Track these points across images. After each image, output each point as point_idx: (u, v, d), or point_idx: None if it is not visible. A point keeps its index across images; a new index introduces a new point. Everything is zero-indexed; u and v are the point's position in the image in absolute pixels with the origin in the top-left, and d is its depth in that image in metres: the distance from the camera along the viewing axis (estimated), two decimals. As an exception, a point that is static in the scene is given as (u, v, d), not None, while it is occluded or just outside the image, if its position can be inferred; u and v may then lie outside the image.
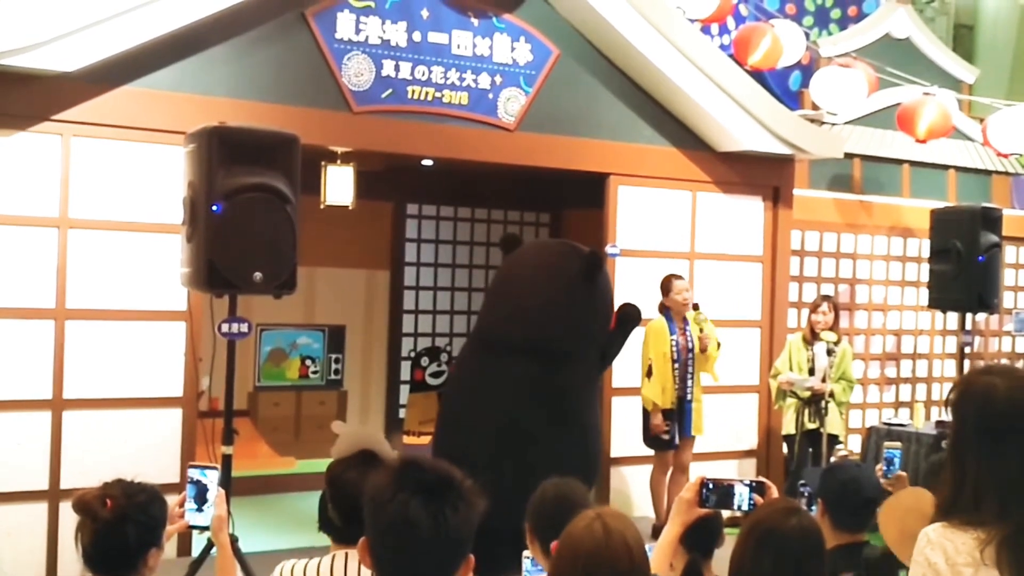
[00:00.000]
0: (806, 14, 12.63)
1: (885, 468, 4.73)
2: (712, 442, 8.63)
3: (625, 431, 8.62)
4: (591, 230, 8.99)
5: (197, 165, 5.68)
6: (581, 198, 9.68)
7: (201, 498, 3.44)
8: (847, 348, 8.79)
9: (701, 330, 8.09)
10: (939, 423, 9.37)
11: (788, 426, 8.71)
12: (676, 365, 8.09)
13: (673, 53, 8.49)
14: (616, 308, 7.11)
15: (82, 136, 6.85)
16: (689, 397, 8.14)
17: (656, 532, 6.75)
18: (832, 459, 7.93)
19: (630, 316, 7.15)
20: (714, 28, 11.79)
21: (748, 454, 9.49)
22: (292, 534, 7.48)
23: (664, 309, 8.23)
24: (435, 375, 10.67)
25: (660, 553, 3.12)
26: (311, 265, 9.36)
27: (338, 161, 8.97)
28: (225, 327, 5.86)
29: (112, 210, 6.96)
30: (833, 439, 8.49)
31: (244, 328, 5.91)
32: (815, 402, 8.51)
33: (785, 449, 9.03)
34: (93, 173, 6.91)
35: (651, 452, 8.28)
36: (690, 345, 8.14)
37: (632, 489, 8.81)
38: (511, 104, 8.26)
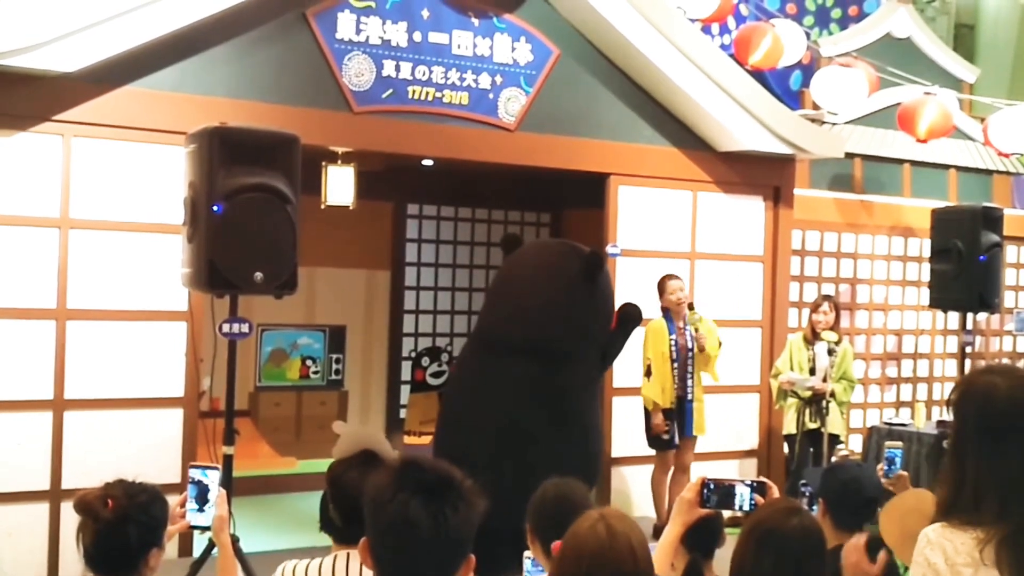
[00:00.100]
0: (807, 14, 12.63)
1: (886, 468, 4.73)
2: (713, 442, 8.62)
3: (626, 431, 8.62)
4: (592, 230, 8.99)
5: (198, 165, 5.68)
6: (581, 198, 9.68)
7: (202, 498, 3.45)
8: (848, 348, 8.78)
9: (696, 330, 8.08)
10: (940, 423, 9.37)
11: (789, 426, 8.71)
12: (675, 365, 8.09)
13: (673, 53, 8.49)
14: (617, 308, 7.11)
15: (83, 136, 6.85)
16: (690, 397, 8.13)
17: (657, 532, 6.75)
18: (833, 459, 7.93)
19: (631, 316, 7.15)
20: (715, 28, 11.80)
21: (749, 454, 9.49)
22: (293, 534, 7.49)
23: (665, 309, 8.23)
24: (436, 375, 10.68)
25: (661, 553, 3.12)
26: (312, 265, 9.36)
27: (339, 161, 8.97)
28: (226, 327, 5.86)
29: (113, 210, 6.97)
30: (834, 439, 8.49)
31: (245, 328, 5.91)
32: (816, 402, 8.51)
33: (786, 449, 9.03)
34: (94, 173, 6.91)
35: (652, 452, 8.28)
36: (689, 345, 8.14)
37: (633, 489, 8.81)
38: (511, 104, 8.26)
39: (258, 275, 5.58)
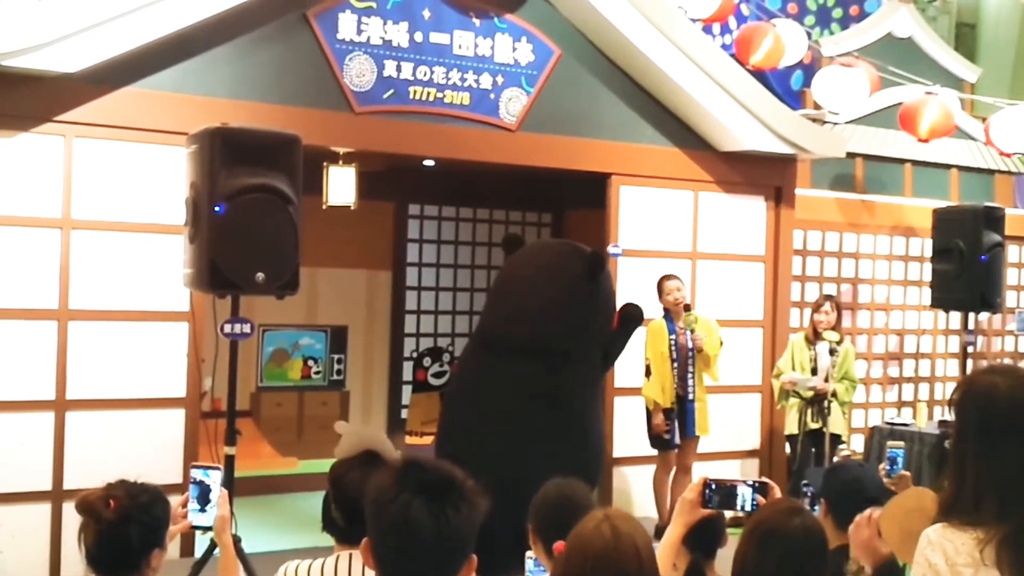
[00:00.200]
0: (808, 13, 12.62)
1: (888, 468, 4.73)
2: (715, 442, 8.62)
3: (628, 431, 8.62)
4: (593, 230, 8.99)
5: (199, 166, 5.68)
6: (583, 198, 9.69)
7: (204, 498, 3.45)
8: (849, 348, 8.78)
9: (692, 331, 8.06)
10: (942, 423, 9.37)
11: (791, 426, 8.70)
12: (675, 365, 8.08)
13: (675, 53, 8.49)
14: (618, 308, 7.11)
15: (84, 137, 6.85)
16: (691, 397, 8.12)
17: (659, 533, 6.75)
18: (835, 459, 7.93)
19: (632, 316, 7.15)
20: (716, 28, 11.80)
21: (751, 454, 9.49)
22: (295, 534, 7.49)
23: (666, 309, 8.23)
24: (437, 375, 10.69)
25: (663, 554, 3.12)
26: (313, 265, 9.35)
27: (340, 162, 8.97)
28: (227, 328, 5.86)
29: (115, 211, 6.97)
30: (836, 439, 8.49)
31: (246, 329, 5.91)
32: (818, 402, 8.50)
33: (788, 449, 9.03)
34: (95, 174, 6.92)
35: (654, 452, 8.27)
36: (689, 345, 8.13)
37: (634, 489, 8.81)
38: (513, 104, 8.26)
39: (260, 275, 5.58)
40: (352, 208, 9.21)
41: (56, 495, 6.74)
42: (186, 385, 7.16)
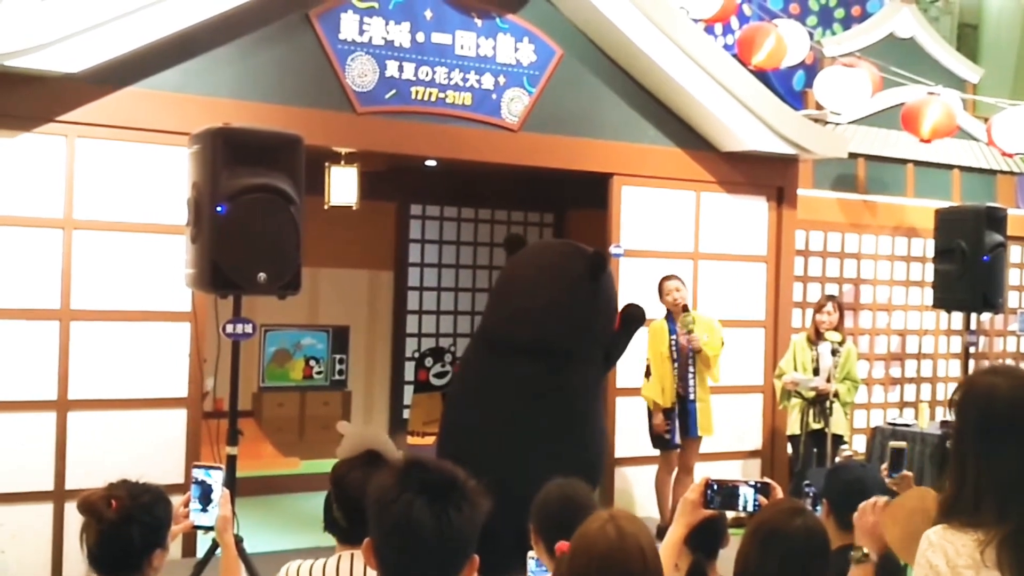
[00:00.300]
0: (810, 14, 12.62)
1: (890, 468, 4.71)
2: (716, 443, 8.61)
3: (629, 431, 8.62)
4: (595, 230, 8.99)
5: (201, 166, 5.68)
6: (585, 198, 9.69)
7: (205, 498, 3.45)
8: (851, 348, 8.77)
9: (690, 331, 8.04)
10: (944, 423, 9.36)
11: (793, 426, 8.70)
12: (676, 365, 8.08)
13: (677, 53, 8.49)
14: (621, 309, 7.10)
15: (86, 137, 6.86)
16: (692, 397, 8.12)
17: (661, 533, 6.75)
18: (837, 459, 7.92)
19: (634, 317, 7.14)
20: (718, 28, 11.78)
21: (752, 454, 9.49)
22: (297, 534, 7.49)
23: (668, 309, 8.22)
24: (439, 375, 10.69)
25: (665, 554, 3.12)
26: (315, 266, 9.36)
27: (342, 162, 8.97)
28: (229, 328, 5.86)
29: (116, 211, 6.98)
30: (838, 439, 8.48)
31: (248, 329, 5.91)
32: (820, 402, 8.49)
33: (790, 449, 9.03)
34: (97, 174, 6.92)
35: (656, 453, 8.27)
36: (690, 345, 8.12)
37: (636, 490, 8.81)
38: (514, 104, 8.26)
39: (261, 275, 5.58)
40: (354, 208, 9.22)
41: (58, 495, 6.75)
42: (188, 385, 7.16)
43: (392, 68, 7.78)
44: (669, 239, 9.05)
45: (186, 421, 7.16)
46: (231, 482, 5.05)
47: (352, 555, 3.23)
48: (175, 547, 6.44)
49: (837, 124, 10.37)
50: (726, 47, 10.63)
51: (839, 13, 12.87)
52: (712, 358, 8.13)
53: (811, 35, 10.21)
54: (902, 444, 4.84)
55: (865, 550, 3.24)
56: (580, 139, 8.55)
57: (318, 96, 7.55)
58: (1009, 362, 11.64)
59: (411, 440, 10.37)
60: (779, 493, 3.17)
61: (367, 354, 10.94)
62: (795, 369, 8.60)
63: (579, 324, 6.54)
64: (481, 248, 11.44)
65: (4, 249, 6.67)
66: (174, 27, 6.86)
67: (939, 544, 2.48)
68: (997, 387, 2.55)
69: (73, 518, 5.57)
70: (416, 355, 10.89)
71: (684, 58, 8.52)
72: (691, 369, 8.11)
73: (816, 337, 8.62)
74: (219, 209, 5.51)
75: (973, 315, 9.40)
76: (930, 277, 9.86)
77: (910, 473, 4.65)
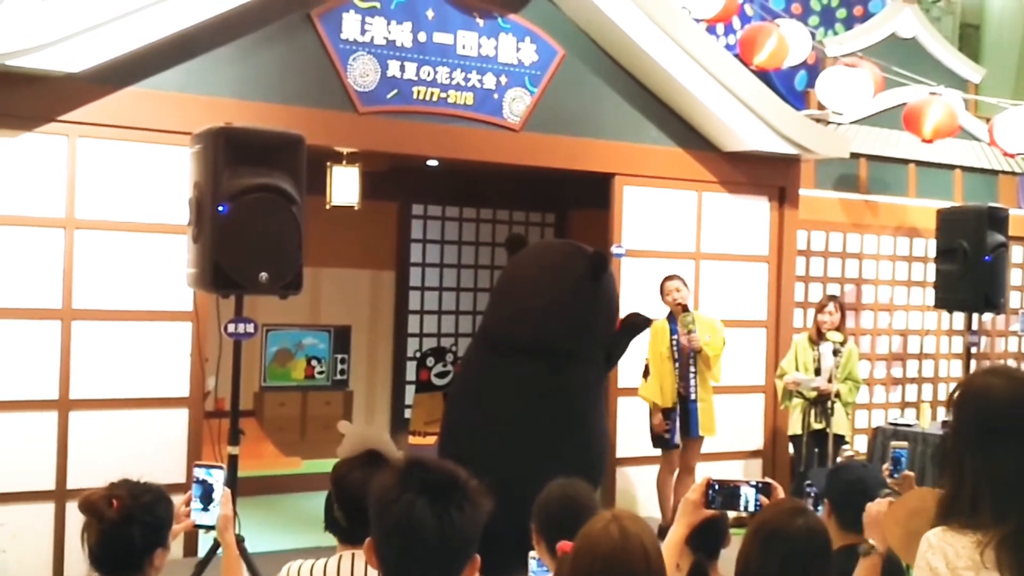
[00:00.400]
0: (812, 14, 12.61)
1: (892, 468, 4.72)
2: (718, 443, 8.60)
3: (631, 432, 8.62)
4: (596, 230, 8.99)
5: (203, 166, 5.68)
6: (586, 198, 9.69)
7: (207, 497, 3.45)
8: (853, 348, 8.78)
9: (690, 331, 8.04)
10: (945, 423, 9.34)
11: (794, 426, 8.70)
12: (677, 365, 8.07)
13: (678, 53, 8.49)
14: (625, 316, 7.12)
15: (88, 137, 6.86)
16: (693, 397, 8.11)
17: (662, 533, 6.74)
18: (838, 459, 7.92)
19: (633, 324, 7.14)
20: (720, 28, 11.77)
21: (754, 454, 9.49)
22: (298, 534, 7.49)
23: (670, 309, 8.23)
24: (440, 375, 10.68)
25: (666, 554, 3.12)
26: (317, 265, 9.36)
27: (343, 162, 8.98)
28: (231, 327, 5.86)
29: (118, 211, 6.98)
30: (839, 439, 8.48)
31: (250, 328, 5.91)
32: (821, 402, 8.50)
33: (791, 449, 9.03)
34: (99, 174, 6.92)
35: (657, 452, 8.27)
36: (691, 345, 8.10)
37: (638, 490, 8.81)
38: (516, 104, 8.26)
39: (263, 275, 5.58)
40: (356, 208, 9.22)
41: (59, 495, 6.75)
42: (189, 385, 7.16)
43: (394, 68, 7.78)
44: (671, 239, 9.04)
45: (187, 421, 7.16)
46: (232, 482, 5.05)
47: (353, 555, 3.23)
48: (176, 546, 6.45)
49: (839, 124, 10.37)
50: (728, 47, 10.62)
51: (841, 13, 12.87)
52: (713, 358, 8.13)
53: (813, 35, 10.21)
54: (903, 444, 4.84)
55: (872, 542, 3.25)
56: (582, 139, 8.54)
57: (320, 96, 7.55)
58: (1011, 363, 11.64)
59: (412, 440, 10.36)
60: (780, 493, 3.17)
61: (369, 354, 10.94)
62: (796, 369, 8.61)
63: (580, 324, 6.55)
64: (483, 248, 11.44)
65: (6, 249, 6.67)
66: (175, 27, 6.86)
67: (939, 546, 2.48)
68: (994, 387, 2.55)
69: (74, 518, 5.57)
70: (418, 355, 10.88)
71: (686, 58, 8.51)
72: (692, 369, 8.11)
73: (818, 337, 8.63)
74: (221, 209, 5.51)
75: (974, 315, 9.39)
76: (932, 277, 9.86)
77: (911, 473, 4.66)
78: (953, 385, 10.64)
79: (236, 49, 7.26)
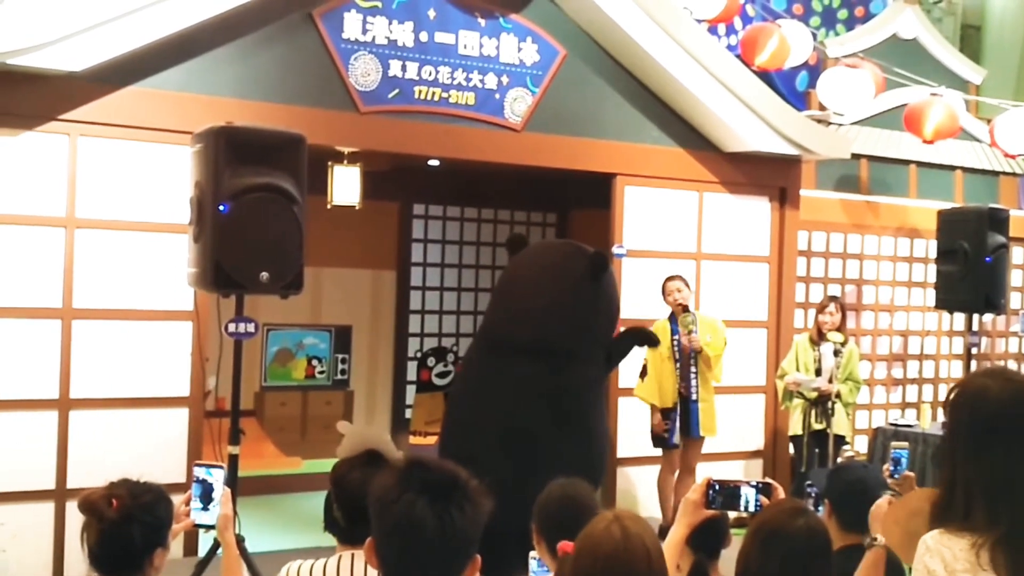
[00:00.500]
0: (813, 14, 12.62)
1: (892, 468, 4.72)
2: (718, 443, 8.60)
3: (632, 432, 8.61)
4: (598, 230, 8.99)
5: (204, 165, 5.68)
6: (588, 198, 9.68)
7: (207, 497, 3.45)
8: (854, 349, 8.78)
9: (689, 332, 8.03)
10: (945, 424, 9.33)
11: (795, 427, 8.70)
12: (678, 365, 8.07)
13: (680, 53, 8.48)
14: (635, 327, 7.14)
15: (89, 136, 6.86)
16: (694, 397, 8.11)
17: (663, 533, 6.75)
18: (839, 460, 7.92)
19: (643, 336, 7.16)
20: (721, 28, 11.78)
21: (755, 455, 9.49)
22: (298, 534, 7.49)
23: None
24: (441, 375, 10.68)
25: (666, 554, 3.11)
26: (318, 265, 9.36)
27: (345, 161, 8.98)
28: (232, 327, 5.86)
29: (119, 210, 6.98)
30: (840, 440, 8.48)
31: (251, 328, 5.91)
32: (822, 403, 8.50)
33: (792, 450, 9.03)
34: (100, 173, 6.92)
35: (658, 453, 8.27)
36: (691, 345, 8.10)
37: (639, 490, 8.81)
38: (518, 104, 8.26)
39: (264, 275, 5.58)
40: (357, 208, 9.22)
41: (59, 494, 6.75)
42: (190, 384, 7.16)
43: (395, 68, 7.78)
44: (672, 239, 9.04)
45: (188, 420, 7.16)
46: (233, 481, 5.05)
47: (352, 555, 3.23)
48: (176, 546, 6.45)
49: (840, 125, 10.36)
50: (729, 48, 10.63)
51: (842, 14, 12.88)
52: (714, 359, 8.12)
53: (814, 36, 10.20)
54: (904, 445, 4.84)
55: (876, 536, 3.26)
56: (583, 139, 8.54)
57: (321, 95, 7.55)
58: (1011, 363, 11.64)
59: (413, 440, 10.36)
60: (781, 493, 3.17)
61: (369, 354, 10.94)
62: (797, 370, 8.61)
63: (580, 324, 6.55)
64: (484, 248, 11.43)
65: (6, 248, 6.67)
66: (177, 26, 6.86)
67: (936, 549, 2.48)
68: (989, 389, 2.55)
69: (74, 517, 5.57)
70: (418, 355, 10.88)
71: (687, 58, 8.51)
72: (693, 369, 8.11)
73: (818, 338, 8.63)
74: (221, 208, 5.51)
75: (975, 316, 9.39)
76: (932, 278, 9.86)
77: (912, 473, 4.66)
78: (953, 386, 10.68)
79: (237, 48, 7.26)
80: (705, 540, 3.70)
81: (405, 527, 2.25)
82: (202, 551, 6.01)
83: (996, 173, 11.62)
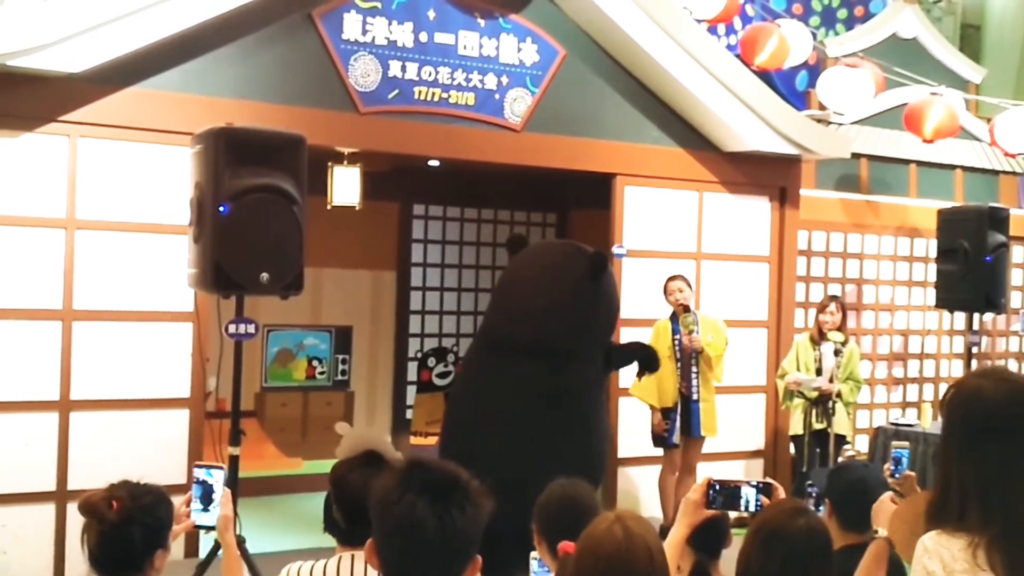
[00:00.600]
0: (813, 14, 12.62)
1: (893, 468, 4.71)
2: (719, 443, 8.60)
3: (632, 432, 8.61)
4: (597, 230, 8.98)
5: (204, 166, 5.68)
6: (588, 198, 9.68)
7: (207, 498, 3.44)
8: (854, 348, 8.78)
9: (690, 332, 8.02)
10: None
11: (795, 426, 8.70)
12: (679, 365, 8.07)
13: (680, 53, 8.48)
14: (644, 345, 7.14)
15: (89, 137, 6.86)
16: (695, 397, 8.10)
17: (664, 533, 6.74)
18: (839, 459, 7.91)
19: (641, 355, 7.16)
20: (721, 28, 11.78)
21: (755, 454, 9.48)
22: (299, 535, 7.49)
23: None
24: (442, 376, 10.68)
25: (667, 554, 3.12)
26: (318, 266, 9.36)
27: (345, 162, 8.97)
28: (232, 328, 5.86)
29: (119, 211, 6.98)
30: (840, 439, 8.47)
31: (251, 329, 5.91)
32: (822, 402, 8.49)
33: (792, 450, 9.02)
34: (100, 174, 6.92)
35: (658, 453, 8.27)
36: (692, 345, 8.10)
37: (640, 490, 8.80)
38: (517, 104, 8.26)
39: (264, 276, 5.58)
40: (357, 208, 9.22)
41: (60, 496, 6.75)
42: (190, 385, 7.16)
43: (395, 68, 7.78)
44: (672, 239, 9.04)
45: (188, 421, 7.15)
46: (233, 482, 5.05)
47: (352, 556, 3.23)
48: (177, 547, 6.44)
49: (840, 124, 10.37)
50: (729, 47, 10.62)
51: (842, 13, 12.87)
52: (715, 359, 8.12)
53: (814, 35, 10.20)
54: (904, 444, 4.84)
55: (878, 528, 3.26)
56: (583, 139, 8.54)
57: (321, 96, 7.55)
58: (1012, 362, 11.64)
59: (414, 440, 10.37)
60: (781, 493, 3.17)
61: (370, 354, 10.94)
62: (798, 369, 8.61)
63: (580, 324, 6.55)
64: (484, 248, 11.43)
65: (6, 249, 6.67)
66: (176, 27, 6.86)
67: (935, 550, 2.48)
68: (984, 389, 2.55)
69: (75, 519, 5.57)
70: (419, 355, 10.88)
71: (687, 58, 8.51)
72: (694, 369, 8.10)
73: (819, 337, 8.62)
74: (222, 209, 5.51)
75: (975, 315, 9.40)
76: (932, 277, 9.86)
77: (912, 473, 4.66)
78: (954, 385, 10.68)
79: (237, 49, 7.26)
80: (706, 540, 3.70)
81: (406, 528, 2.25)
82: (203, 552, 6.00)
83: (996, 172, 11.63)
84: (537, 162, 8.42)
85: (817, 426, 8.52)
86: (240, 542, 4.60)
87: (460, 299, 11.32)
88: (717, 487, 3.16)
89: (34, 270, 6.73)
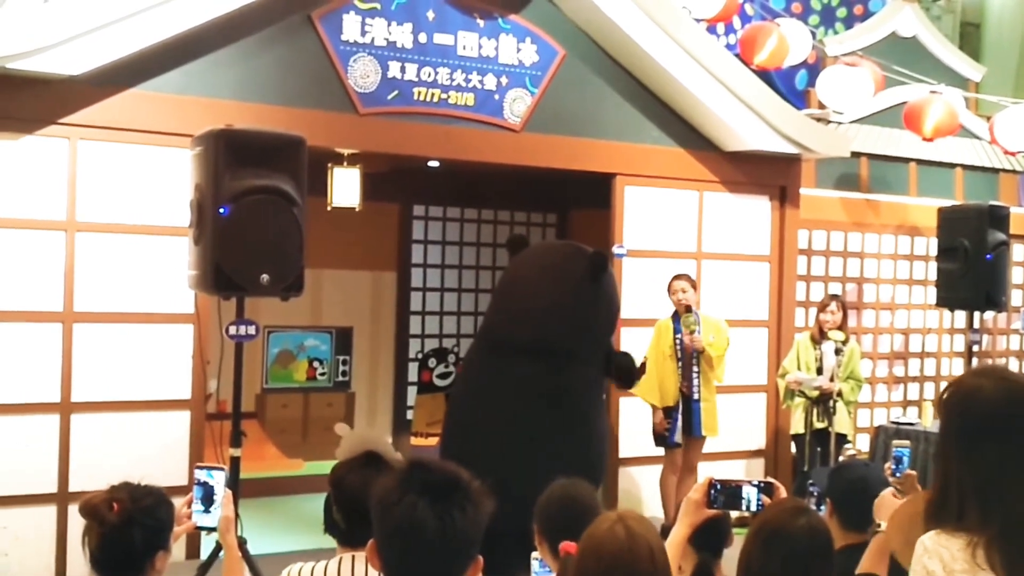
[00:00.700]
0: (812, 13, 12.60)
1: (894, 467, 4.71)
2: (720, 442, 8.60)
3: (633, 432, 8.61)
4: (598, 231, 8.99)
5: (204, 168, 5.68)
6: (588, 199, 9.68)
7: (208, 499, 3.44)
8: (855, 347, 8.77)
9: (691, 332, 8.02)
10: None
11: (796, 426, 8.70)
12: (680, 364, 8.07)
13: (679, 53, 8.48)
14: (631, 362, 7.15)
15: (89, 139, 6.86)
16: (696, 396, 8.10)
17: (665, 533, 6.74)
18: (840, 458, 7.91)
19: (628, 368, 7.15)
20: (720, 27, 11.77)
21: (756, 454, 9.48)
22: (300, 536, 7.48)
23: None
24: (442, 376, 10.68)
25: (668, 554, 3.11)
26: (318, 267, 9.35)
27: (344, 163, 8.98)
28: (232, 329, 5.86)
29: (119, 213, 6.98)
30: (841, 438, 8.47)
31: (251, 330, 5.91)
32: (823, 401, 8.49)
33: (793, 449, 9.02)
34: (100, 176, 6.92)
35: (659, 452, 8.27)
36: (693, 345, 8.10)
37: (641, 490, 8.80)
38: (517, 105, 8.26)
39: (264, 277, 5.58)
40: (357, 209, 9.22)
41: (61, 497, 6.75)
42: (191, 387, 7.16)
43: (394, 69, 7.78)
44: (672, 239, 9.04)
45: (189, 423, 7.15)
46: (234, 484, 5.06)
47: (353, 557, 3.23)
48: (179, 549, 6.44)
49: (839, 123, 10.37)
50: (728, 47, 10.62)
51: (841, 12, 12.86)
52: (716, 359, 8.12)
53: (813, 34, 10.21)
54: (905, 443, 4.84)
55: (881, 523, 3.26)
56: (583, 139, 8.54)
57: (320, 97, 7.55)
58: (1012, 360, 11.64)
59: (415, 441, 10.37)
60: (782, 492, 3.17)
61: (371, 355, 10.93)
62: (799, 368, 8.60)
63: (580, 324, 6.55)
64: (484, 249, 11.43)
65: (7, 251, 6.67)
66: (176, 29, 6.86)
67: (934, 550, 2.47)
68: (982, 388, 2.54)
69: (76, 521, 5.57)
70: (419, 356, 10.88)
71: (686, 58, 8.51)
72: (695, 369, 8.10)
73: (820, 336, 8.62)
74: (222, 211, 5.51)
75: (976, 313, 9.39)
76: (933, 276, 9.85)
77: (913, 472, 4.65)
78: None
79: (237, 51, 7.26)
80: (708, 540, 3.70)
81: (407, 529, 2.25)
82: (204, 553, 6.00)
83: (996, 170, 11.62)
84: (537, 162, 8.42)
85: (818, 425, 8.52)
86: (241, 543, 4.60)
87: (460, 300, 11.31)
88: (718, 487, 3.16)
89: (35, 272, 6.73)
